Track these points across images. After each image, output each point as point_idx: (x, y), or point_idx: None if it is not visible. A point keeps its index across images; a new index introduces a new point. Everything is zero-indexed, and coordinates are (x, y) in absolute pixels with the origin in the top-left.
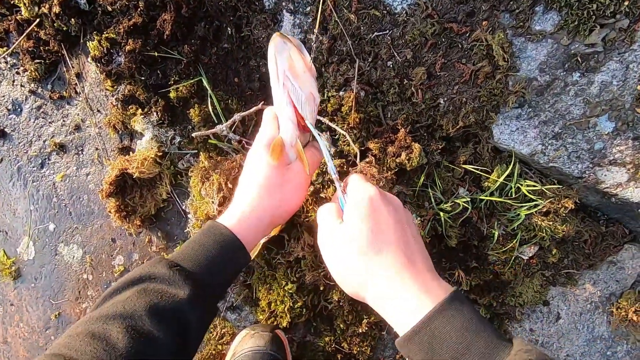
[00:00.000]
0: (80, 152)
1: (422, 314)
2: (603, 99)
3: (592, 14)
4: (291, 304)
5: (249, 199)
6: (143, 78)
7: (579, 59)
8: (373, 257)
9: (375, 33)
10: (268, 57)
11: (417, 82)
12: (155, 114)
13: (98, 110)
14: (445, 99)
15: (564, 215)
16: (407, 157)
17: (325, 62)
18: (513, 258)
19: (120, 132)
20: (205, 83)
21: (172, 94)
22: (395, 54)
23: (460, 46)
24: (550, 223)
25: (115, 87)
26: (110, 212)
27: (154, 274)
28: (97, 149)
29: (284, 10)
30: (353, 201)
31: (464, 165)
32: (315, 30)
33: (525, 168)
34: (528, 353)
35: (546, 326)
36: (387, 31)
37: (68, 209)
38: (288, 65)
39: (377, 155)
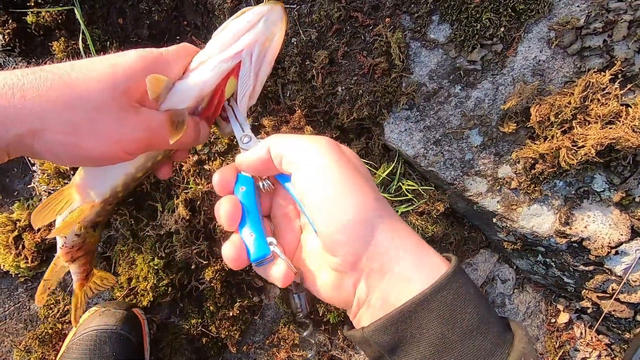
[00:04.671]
0: None
1: (439, 272)
2: (476, 114)
3: (475, 32)
4: (155, 282)
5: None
6: None
7: (462, 72)
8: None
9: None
10: (244, 11)
11: (319, 65)
12: (1, 36)
13: None
14: (344, 87)
15: (435, 217)
16: None
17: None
18: None
19: None
20: (77, 15)
21: (29, 19)
22: (301, 31)
23: (363, 38)
24: (423, 222)
25: None
26: None
27: None
28: None
29: None
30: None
31: None
32: None
33: (409, 169)
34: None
35: None
36: (295, 5)
37: None
38: (264, 40)
39: (270, 133)
